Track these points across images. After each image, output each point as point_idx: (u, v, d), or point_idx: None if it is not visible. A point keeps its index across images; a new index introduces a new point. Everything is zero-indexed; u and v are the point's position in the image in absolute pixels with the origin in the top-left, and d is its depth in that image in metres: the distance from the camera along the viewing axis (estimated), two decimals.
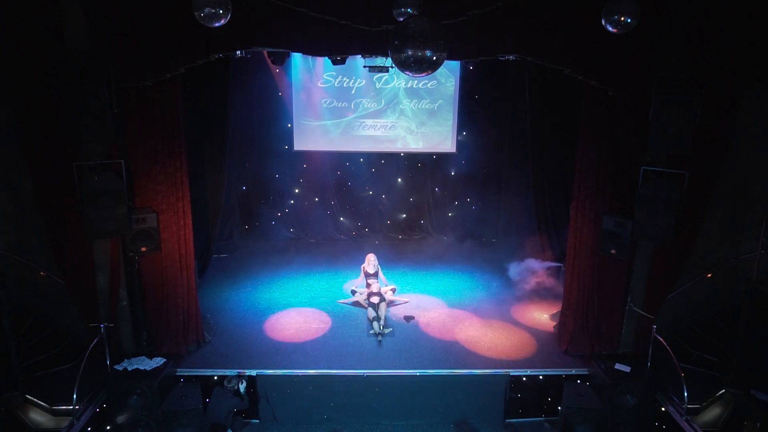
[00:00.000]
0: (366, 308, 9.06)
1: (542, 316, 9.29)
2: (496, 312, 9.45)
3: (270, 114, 11.77)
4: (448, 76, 11.62)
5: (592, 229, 7.76)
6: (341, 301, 9.63)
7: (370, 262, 9.59)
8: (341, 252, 11.98)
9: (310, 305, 9.57)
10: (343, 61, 9.25)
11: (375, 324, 8.51)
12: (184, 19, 6.02)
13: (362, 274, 9.62)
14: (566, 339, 8.20)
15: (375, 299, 8.88)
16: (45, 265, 7.54)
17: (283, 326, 8.85)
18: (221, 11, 5.20)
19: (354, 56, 8.62)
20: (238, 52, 7.90)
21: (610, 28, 5.43)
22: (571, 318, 8.15)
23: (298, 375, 7.64)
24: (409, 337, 8.58)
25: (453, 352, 8.20)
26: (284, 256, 11.72)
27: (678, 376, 7.08)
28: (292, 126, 11.82)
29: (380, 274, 9.68)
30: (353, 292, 9.55)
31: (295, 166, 12.26)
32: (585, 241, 7.88)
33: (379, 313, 8.64)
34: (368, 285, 9.36)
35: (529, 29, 6.85)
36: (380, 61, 9.34)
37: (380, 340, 8.36)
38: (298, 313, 9.31)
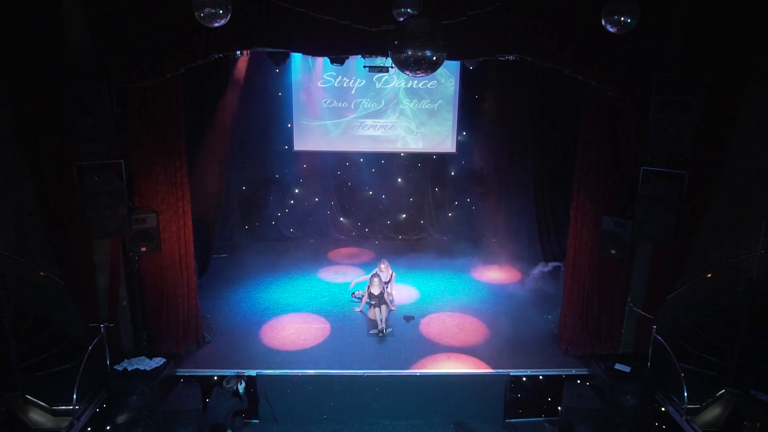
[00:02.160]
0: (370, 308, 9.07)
1: (542, 316, 9.29)
2: (496, 312, 9.44)
3: (270, 114, 11.77)
4: (448, 76, 11.62)
5: (592, 229, 7.76)
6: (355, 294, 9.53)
7: (383, 270, 9.36)
8: (341, 252, 11.98)
9: (310, 306, 9.58)
10: (341, 62, 9.26)
11: (377, 321, 8.54)
12: (184, 19, 6.03)
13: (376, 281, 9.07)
14: (566, 339, 8.20)
15: (374, 301, 8.85)
16: (45, 265, 7.54)
17: (283, 326, 8.85)
18: (221, 11, 5.20)
19: (354, 56, 8.62)
20: (238, 52, 7.89)
21: (610, 28, 5.43)
22: (571, 318, 8.15)
23: (298, 375, 7.64)
24: (409, 337, 8.58)
25: (453, 352, 8.19)
26: (284, 256, 11.72)
27: (678, 376, 7.08)
28: (292, 126, 11.83)
29: (392, 280, 9.57)
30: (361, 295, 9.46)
31: (295, 166, 12.27)
32: (585, 241, 7.88)
33: (381, 315, 8.60)
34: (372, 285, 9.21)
35: (529, 29, 6.85)
36: (380, 61, 9.35)
37: (381, 336, 8.42)
38: (297, 314, 9.31)
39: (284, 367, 7.76)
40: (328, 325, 8.90)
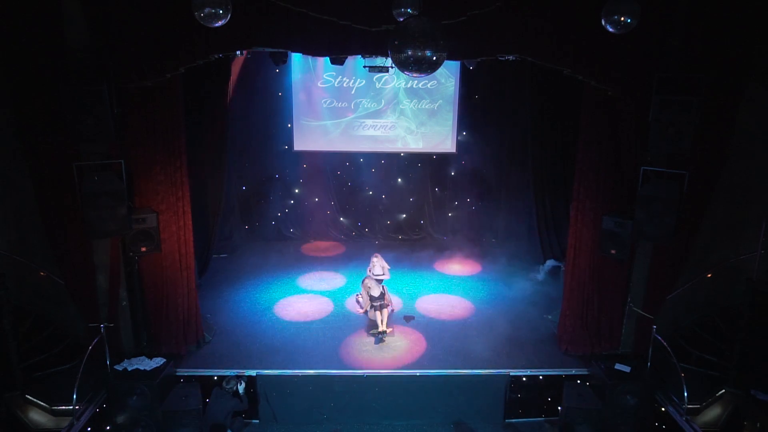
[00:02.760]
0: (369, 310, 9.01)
1: (542, 316, 9.29)
2: (496, 312, 9.45)
3: (270, 114, 11.77)
4: (448, 76, 11.62)
5: (592, 229, 7.76)
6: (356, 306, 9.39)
7: (375, 264, 9.31)
8: (341, 252, 11.98)
9: (310, 305, 9.58)
10: (342, 62, 9.25)
11: (377, 323, 8.51)
12: (185, 19, 6.03)
13: (369, 276, 9.17)
14: (566, 339, 8.20)
15: (376, 303, 8.76)
16: (45, 265, 7.54)
17: (283, 327, 8.86)
18: (221, 11, 5.20)
19: (354, 56, 8.62)
20: (238, 52, 7.89)
21: (610, 29, 5.43)
22: (571, 318, 8.16)
23: (298, 375, 7.64)
24: (409, 337, 8.57)
25: (453, 351, 8.20)
26: (284, 256, 11.72)
27: (678, 376, 7.08)
28: (292, 126, 11.83)
29: (386, 272, 9.40)
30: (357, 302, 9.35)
31: (295, 166, 12.26)
32: (585, 241, 7.88)
33: (383, 317, 8.56)
34: (370, 288, 9.13)
35: (529, 29, 6.85)
36: (380, 61, 9.34)
37: (383, 339, 8.39)
38: (297, 312, 9.33)
39: (284, 367, 7.76)
40: (327, 325, 8.91)
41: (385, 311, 8.62)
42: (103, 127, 6.66)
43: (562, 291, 8.55)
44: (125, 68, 6.76)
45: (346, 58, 9.04)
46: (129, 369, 7.31)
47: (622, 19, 5.31)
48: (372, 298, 8.70)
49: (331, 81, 11.54)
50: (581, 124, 7.69)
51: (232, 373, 7.45)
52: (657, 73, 6.84)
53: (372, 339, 8.47)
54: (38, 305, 7.78)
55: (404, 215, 12.77)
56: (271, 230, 12.57)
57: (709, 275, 8.04)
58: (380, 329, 8.46)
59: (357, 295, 9.52)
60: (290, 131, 11.86)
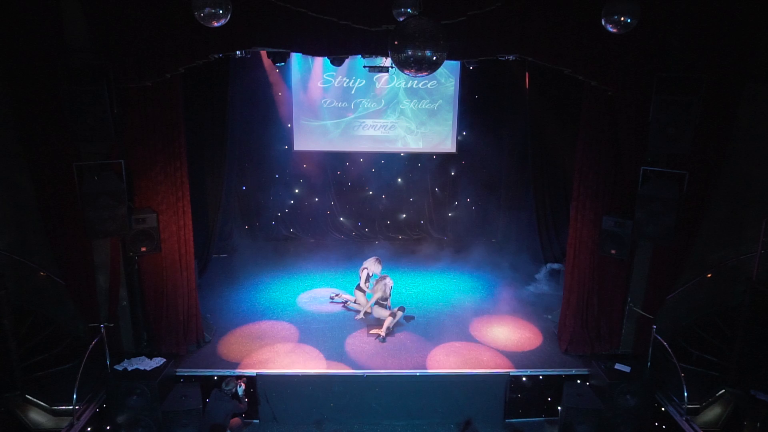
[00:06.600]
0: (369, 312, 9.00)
1: (542, 316, 9.29)
2: (496, 312, 9.44)
3: (270, 114, 11.77)
4: (448, 76, 11.62)
5: (592, 229, 7.77)
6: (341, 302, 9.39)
7: (370, 266, 9.22)
8: (341, 252, 11.99)
9: (310, 305, 9.59)
10: (341, 62, 9.25)
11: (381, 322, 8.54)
12: (184, 19, 6.04)
13: (362, 278, 9.21)
14: (566, 339, 8.21)
15: (386, 302, 8.77)
16: (45, 265, 7.55)
17: (283, 326, 8.86)
18: (221, 11, 5.20)
19: (354, 56, 8.63)
20: (238, 53, 7.90)
21: (610, 28, 5.43)
22: (571, 318, 8.16)
23: (298, 375, 7.65)
24: (408, 337, 8.58)
25: (453, 352, 8.20)
26: (284, 256, 11.72)
27: (678, 376, 7.09)
28: (292, 126, 11.82)
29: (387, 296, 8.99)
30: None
31: (295, 166, 12.26)
32: (585, 241, 7.88)
33: (384, 315, 8.57)
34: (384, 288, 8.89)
35: (529, 29, 6.85)
36: (380, 61, 9.35)
37: (382, 338, 8.42)
38: (297, 312, 9.32)
39: (284, 367, 7.76)
40: (327, 325, 8.90)
41: (389, 317, 8.58)
42: (103, 127, 6.66)
43: (562, 291, 8.55)
44: (125, 68, 6.76)
45: (346, 58, 9.05)
46: (129, 369, 7.30)
47: (622, 19, 5.32)
48: (383, 298, 8.74)
49: (331, 81, 11.54)
50: (581, 124, 7.69)
51: (232, 374, 7.45)
52: (657, 73, 6.83)
53: (372, 339, 8.48)
54: (38, 305, 7.78)
55: (404, 215, 12.77)
56: (271, 230, 12.57)
57: (709, 275, 8.04)
58: (381, 330, 8.46)
59: (345, 302, 9.49)
60: (290, 131, 11.86)
